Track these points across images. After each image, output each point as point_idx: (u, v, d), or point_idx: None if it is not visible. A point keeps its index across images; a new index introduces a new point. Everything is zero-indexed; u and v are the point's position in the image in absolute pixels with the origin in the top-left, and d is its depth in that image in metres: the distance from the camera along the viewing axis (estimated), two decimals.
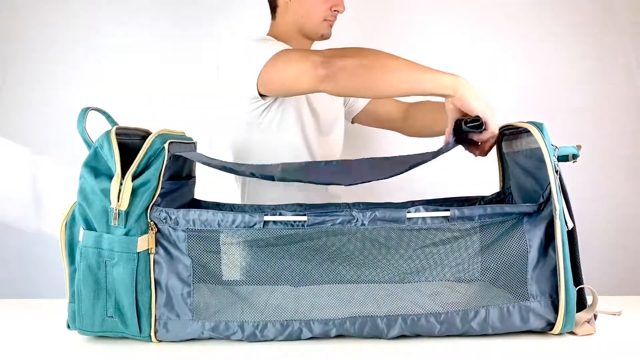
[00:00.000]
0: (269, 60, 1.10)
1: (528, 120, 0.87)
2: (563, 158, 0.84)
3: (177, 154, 0.88)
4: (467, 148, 1.00)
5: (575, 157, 0.85)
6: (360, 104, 1.50)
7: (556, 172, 0.81)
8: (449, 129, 0.98)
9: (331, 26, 1.34)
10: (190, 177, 1.02)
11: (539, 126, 0.83)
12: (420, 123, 1.40)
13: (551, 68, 1.67)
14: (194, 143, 0.98)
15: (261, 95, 1.16)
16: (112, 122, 0.94)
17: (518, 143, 0.91)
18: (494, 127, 0.93)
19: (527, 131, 0.85)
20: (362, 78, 0.97)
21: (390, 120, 1.49)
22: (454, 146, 0.96)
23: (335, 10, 1.31)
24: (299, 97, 1.28)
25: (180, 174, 0.96)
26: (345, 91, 1.03)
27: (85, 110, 0.87)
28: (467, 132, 0.95)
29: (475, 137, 0.96)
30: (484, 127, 0.93)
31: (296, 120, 1.28)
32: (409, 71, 0.95)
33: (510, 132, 0.94)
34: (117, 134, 0.85)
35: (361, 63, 0.96)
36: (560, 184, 0.82)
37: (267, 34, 1.36)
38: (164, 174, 0.85)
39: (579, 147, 0.85)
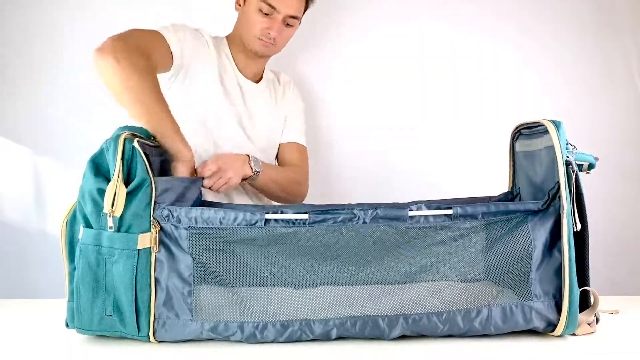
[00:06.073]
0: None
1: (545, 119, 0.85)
2: (578, 166, 0.83)
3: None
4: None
5: (590, 167, 0.84)
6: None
7: (573, 171, 0.80)
8: None
9: (267, 47, 1.29)
10: None
11: (556, 124, 0.82)
12: None
13: (550, 69, 1.66)
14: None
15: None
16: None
17: (535, 142, 0.90)
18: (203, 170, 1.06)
19: (545, 131, 0.84)
20: (119, 85, 0.99)
21: None
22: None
23: (268, 32, 1.27)
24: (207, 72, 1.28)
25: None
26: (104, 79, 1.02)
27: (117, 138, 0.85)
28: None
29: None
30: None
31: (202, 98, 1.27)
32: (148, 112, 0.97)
33: (528, 131, 0.93)
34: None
35: (131, 75, 0.99)
36: (576, 185, 0.81)
37: (227, 35, 1.37)
38: (152, 169, 0.83)
39: (596, 159, 0.84)
